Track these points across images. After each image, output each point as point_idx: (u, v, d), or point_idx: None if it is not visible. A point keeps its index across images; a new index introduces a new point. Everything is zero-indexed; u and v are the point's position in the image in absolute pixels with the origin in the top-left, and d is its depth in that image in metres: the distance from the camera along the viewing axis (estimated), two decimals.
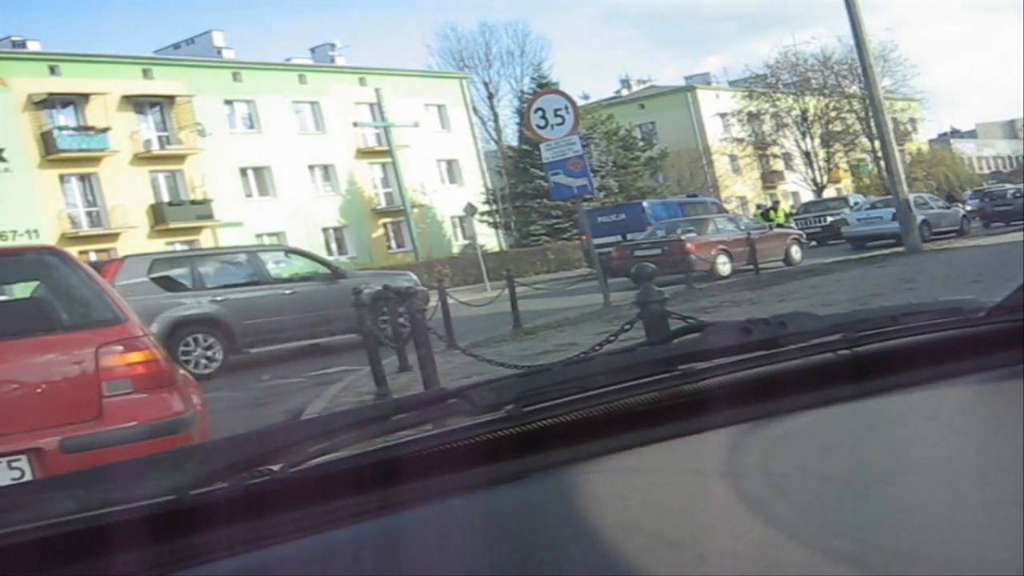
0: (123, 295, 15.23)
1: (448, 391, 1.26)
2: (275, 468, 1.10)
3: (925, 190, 45.80)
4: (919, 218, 29.65)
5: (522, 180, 53.71)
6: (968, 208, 36.50)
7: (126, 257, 17.98)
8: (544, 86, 47.37)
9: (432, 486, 1.11)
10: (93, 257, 40.31)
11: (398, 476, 1.11)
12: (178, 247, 44.82)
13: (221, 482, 1.08)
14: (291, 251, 21.39)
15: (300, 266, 19.12)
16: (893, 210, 27.95)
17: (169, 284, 16.67)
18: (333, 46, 59.77)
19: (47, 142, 42.65)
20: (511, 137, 64.43)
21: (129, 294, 15.31)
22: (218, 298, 16.72)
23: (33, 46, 46.58)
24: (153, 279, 16.45)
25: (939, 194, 45.08)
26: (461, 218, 53.62)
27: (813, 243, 35.48)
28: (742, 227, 29.27)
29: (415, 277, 19.91)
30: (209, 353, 16.44)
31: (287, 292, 17.15)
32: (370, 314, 14.37)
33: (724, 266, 26.35)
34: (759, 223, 32.84)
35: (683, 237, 26.42)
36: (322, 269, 18.69)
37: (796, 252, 29.59)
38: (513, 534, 1.04)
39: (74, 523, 1.00)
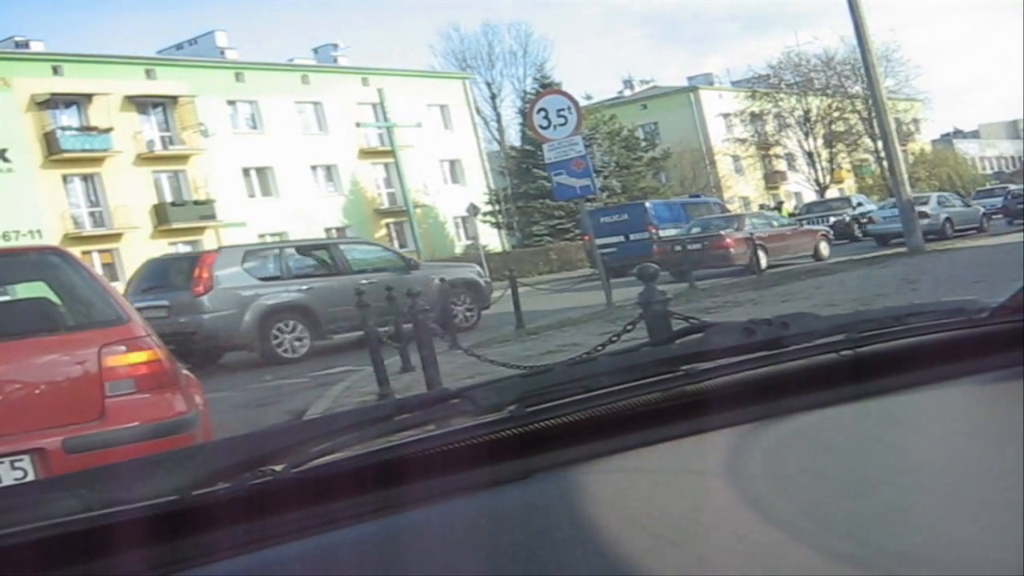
0: (219, 284, 15.65)
1: (451, 391, 1.26)
2: (278, 468, 1.10)
3: (928, 190, 45.78)
4: (943, 216, 30.74)
5: (525, 180, 53.74)
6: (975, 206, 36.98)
7: (221, 248, 19.31)
8: (547, 86, 47.37)
9: (435, 486, 1.11)
10: (96, 258, 40.40)
11: (401, 476, 1.11)
12: (181, 248, 44.96)
13: (224, 482, 1.08)
14: (368, 244, 22.85)
15: (376, 257, 19.97)
16: (919, 208, 29.02)
17: (263, 273, 17.61)
18: (336, 46, 59.74)
19: (50, 142, 42.65)
20: (514, 137, 64.60)
21: (224, 283, 16.45)
22: (303, 287, 17.47)
23: (36, 46, 46.55)
24: (246, 269, 17.31)
25: None
26: (464, 218, 53.59)
27: None
28: (775, 224, 30.53)
29: (479, 269, 21.11)
30: (298, 338, 17.25)
31: (364, 282, 17.28)
32: (442, 303, 17.43)
33: (760, 260, 26.85)
34: (791, 221, 33.48)
35: (722, 232, 27.41)
36: (396, 261, 19.63)
37: (824, 248, 30.46)
38: (516, 534, 1.04)
39: (77, 523, 1.00)
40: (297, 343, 17.24)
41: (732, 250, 26.55)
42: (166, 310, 16.56)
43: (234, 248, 19.39)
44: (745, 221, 29.44)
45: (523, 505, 1.09)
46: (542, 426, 1.21)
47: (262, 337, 16.90)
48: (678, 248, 26.03)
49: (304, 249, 20.00)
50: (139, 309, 17.56)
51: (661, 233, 32.17)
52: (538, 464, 1.17)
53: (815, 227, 33.01)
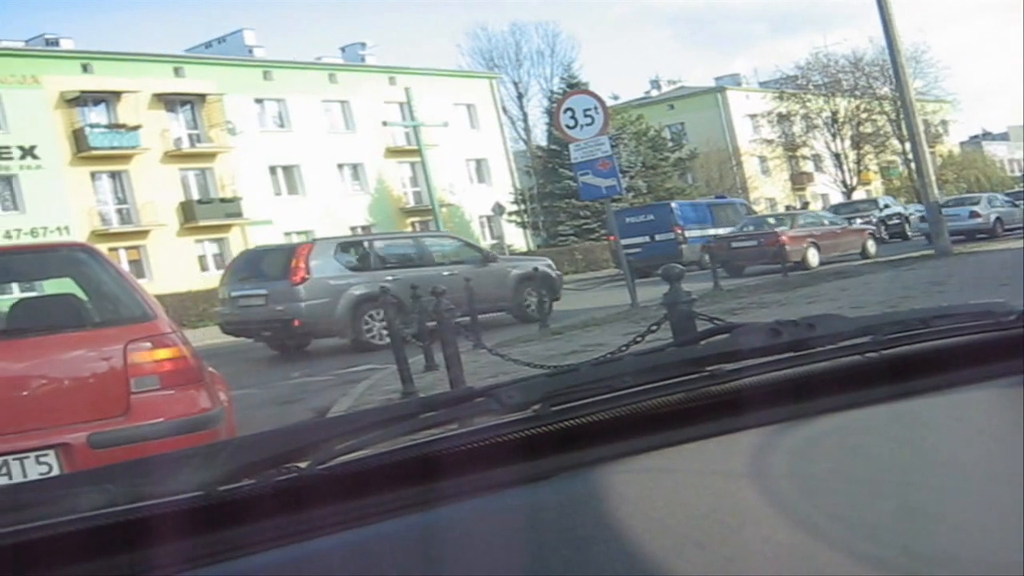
0: (315, 273, 16.69)
1: (476, 390, 1.25)
2: (303, 465, 1.11)
3: (956, 192, 45.57)
4: (993, 216, 31.68)
5: (551, 180, 53.74)
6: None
7: (316, 240, 19.86)
8: (574, 86, 47.38)
9: (459, 485, 1.11)
10: (123, 255, 40.60)
11: (426, 474, 1.11)
12: (207, 245, 45.19)
13: (249, 478, 1.08)
14: (449, 237, 23.66)
15: (457, 250, 20.75)
16: (969, 208, 31.39)
17: (354, 264, 18.43)
18: (363, 45, 59.86)
19: (79, 139, 42.90)
20: (540, 137, 64.55)
21: (319, 273, 17.28)
22: (388, 277, 17.64)
23: (66, 44, 46.86)
24: (339, 260, 18.16)
25: None
26: (489, 218, 53.68)
27: None
28: (826, 222, 31.62)
29: (551, 262, 21.88)
30: (386, 326, 17.41)
31: (446, 273, 18.01)
32: (516, 294, 19.03)
33: (813, 258, 28.04)
34: (839, 219, 33.91)
35: (778, 230, 28.24)
36: (475, 253, 20.59)
37: (872, 246, 31.48)
38: (540, 533, 1.04)
39: (103, 518, 1.01)
40: (385, 331, 17.49)
41: (788, 247, 27.14)
42: (264, 298, 17.54)
43: (328, 240, 20.17)
44: (798, 219, 30.52)
45: (548, 504, 1.09)
46: (567, 425, 1.21)
47: (354, 324, 17.55)
48: (733, 245, 27.35)
49: (391, 242, 21.01)
50: (237, 297, 18.32)
51: (687, 233, 32.39)
52: (563, 463, 1.17)
53: (863, 226, 33.85)
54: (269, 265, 18.49)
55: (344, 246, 19.06)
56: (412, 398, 7.82)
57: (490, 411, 1.21)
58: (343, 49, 59.86)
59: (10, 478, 4.43)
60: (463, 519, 1.07)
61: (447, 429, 1.21)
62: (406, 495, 1.09)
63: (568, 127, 18.19)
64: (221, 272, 43.33)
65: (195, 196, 46.62)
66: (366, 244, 19.67)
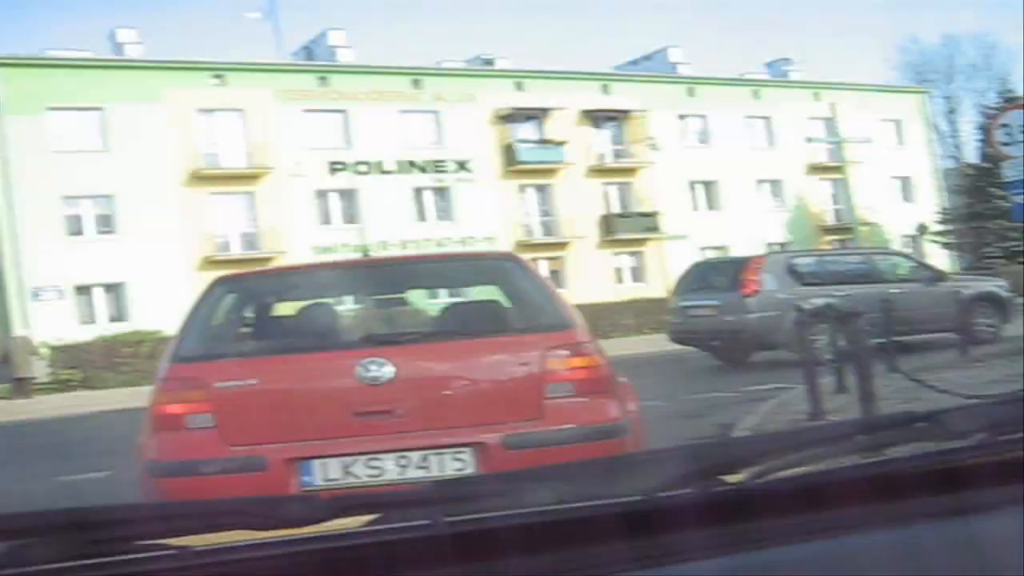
0: (765, 287, 17.54)
1: (916, 414, 1.22)
2: (738, 478, 1.11)
3: None
4: None
5: (979, 200, 51.15)
6: None
7: (768, 254, 20.78)
8: (1011, 100, 44.86)
9: (897, 509, 1.08)
10: (544, 265, 42.09)
11: (864, 496, 1.10)
12: (624, 258, 46.09)
13: (686, 487, 1.09)
14: (898, 255, 23.78)
15: (905, 268, 20.49)
16: None
17: (802, 278, 18.35)
18: (788, 60, 59.16)
19: (509, 154, 45.02)
20: (971, 154, 61.56)
21: (770, 286, 17.76)
22: (838, 293, 17.44)
23: (501, 63, 49.17)
24: (790, 274, 18.31)
25: None
26: (913, 238, 51.65)
27: None
28: None
29: (1004, 283, 21.30)
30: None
31: (894, 291, 17.70)
32: (963, 316, 17.76)
33: None
34: None
35: None
36: (924, 272, 20.15)
37: None
38: (988, 566, 0.99)
39: (547, 515, 1.05)
40: (829, 346, 17.49)
41: None
42: (715, 309, 17.92)
43: (780, 254, 20.86)
44: None
45: (993, 537, 1.04)
46: (1013, 457, 1.14)
47: (800, 339, 17.29)
48: None
49: (841, 258, 21.12)
50: (687, 308, 18.74)
51: None
52: (1009, 495, 1.10)
53: None
54: (720, 277, 18.80)
55: (794, 261, 19.00)
56: (847, 419, 7.64)
57: (933, 437, 1.16)
58: (768, 65, 59.41)
59: (428, 472, 4.67)
60: (902, 544, 1.04)
61: (880, 452, 1.18)
62: (844, 515, 1.08)
63: (1003, 144, 17.22)
64: (637, 285, 44.68)
65: (615, 210, 47.68)
66: (816, 259, 19.71)
